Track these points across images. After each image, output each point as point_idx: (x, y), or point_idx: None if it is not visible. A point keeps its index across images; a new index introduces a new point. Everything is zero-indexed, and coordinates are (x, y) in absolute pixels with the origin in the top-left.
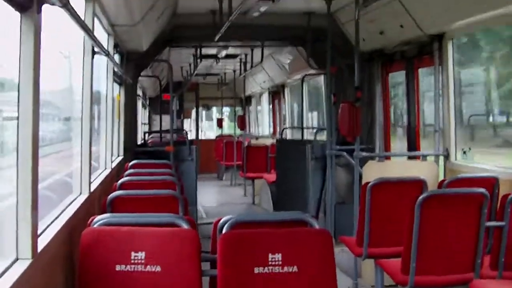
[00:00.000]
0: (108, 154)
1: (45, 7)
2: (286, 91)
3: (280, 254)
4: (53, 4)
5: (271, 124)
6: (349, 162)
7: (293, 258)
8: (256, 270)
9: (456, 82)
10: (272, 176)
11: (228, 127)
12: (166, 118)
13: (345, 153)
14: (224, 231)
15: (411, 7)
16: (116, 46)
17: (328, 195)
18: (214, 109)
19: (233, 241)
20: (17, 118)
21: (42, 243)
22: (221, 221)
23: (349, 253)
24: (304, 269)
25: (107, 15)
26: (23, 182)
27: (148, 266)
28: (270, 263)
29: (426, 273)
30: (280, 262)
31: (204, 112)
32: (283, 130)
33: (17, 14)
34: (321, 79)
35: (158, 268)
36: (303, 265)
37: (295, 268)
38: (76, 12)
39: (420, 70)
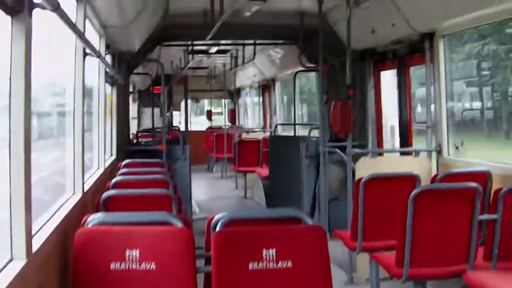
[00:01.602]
0: (101, 153)
1: (36, 10)
2: (277, 85)
3: (274, 250)
4: (44, 8)
5: (261, 117)
6: (342, 158)
7: (287, 253)
8: (250, 266)
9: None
10: (264, 171)
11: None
12: (155, 111)
13: (338, 150)
14: (217, 228)
15: (402, 5)
16: (107, 46)
17: (321, 191)
18: (205, 102)
19: (227, 238)
20: (8, 119)
21: (36, 243)
22: (214, 219)
23: (343, 248)
24: (299, 264)
25: (99, 16)
26: (15, 183)
27: (143, 264)
28: (264, 258)
29: (421, 265)
30: (275, 258)
31: (195, 105)
32: (276, 126)
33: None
34: (313, 73)
35: (153, 266)
36: (297, 260)
37: (289, 263)
38: (67, 15)
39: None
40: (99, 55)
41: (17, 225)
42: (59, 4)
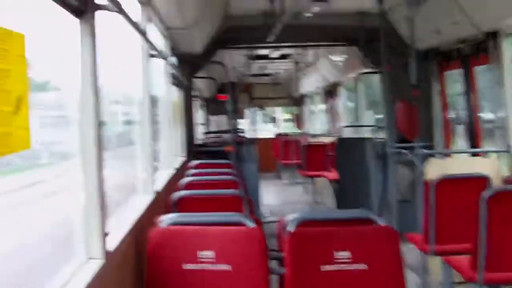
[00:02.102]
0: (171, 155)
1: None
2: (341, 89)
3: (347, 252)
4: (108, 9)
5: (327, 122)
6: (409, 160)
7: (360, 255)
8: (322, 268)
9: None
10: (332, 174)
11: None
12: (221, 118)
13: (405, 151)
14: (290, 229)
15: (465, 3)
16: (171, 49)
17: (390, 193)
18: (274, 109)
19: (300, 239)
20: (79, 119)
21: (111, 243)
22: (286, 219)
23: (415, 250)
24: (372, 266)
25: (162, 19)
26: (89, 183)
27: (217, 265)
28: (336, 260)
29: (497, 269)
30: (348, 260)
31: (259, 113)
32: (341, 128)
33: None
34: (377, 77)
35: (227, 267)
36: (370, 262)
37: (362, 265)
38: (129, 17)
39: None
40: (164, 57)
41: (92, 226)
42: (121, 6)
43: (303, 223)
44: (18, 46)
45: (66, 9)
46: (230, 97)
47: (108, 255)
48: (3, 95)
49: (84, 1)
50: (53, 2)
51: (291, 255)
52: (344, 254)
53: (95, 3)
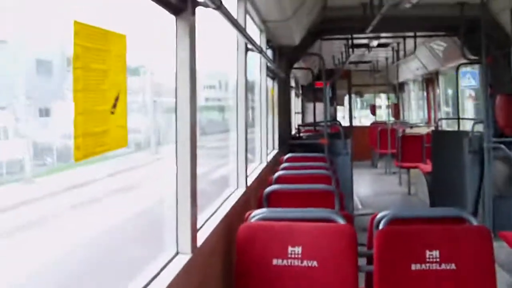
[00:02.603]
0: (264, 148)
1: (199, 8)
2: (440, 79)
3: (437, 251)
4: (207, 6)
5: (425, 112)
6: (508, 155)
7: (451, 255)
8: (413, 267)
9: None
10: (427, 166)
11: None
12: (319, 106)
13: (503, 146)
14: (380, 226)
15: None
16: (267, 41)
17: (486, 188)
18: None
19: (389, 237)
20: (175, 115)
21: (201, 237)
22: (377, 216)
23: (508, 249)
24: (462, 266)
25: (259, 12)
26: (182, 178)
27: (305, 261)
28: (427, 260)
29: None
30: (438, 259)
31: (358, 99)
32: (439, 120)
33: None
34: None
35: (315, 263)
36: (461, 263)
37: (453, 266)
38: (229, 13)
39: None
40: (260, 50)
41: (183, 220)
42: (221, 2)
43: (396, 220)
44: (119, 47)
45: (164, 7)
46: (328, 84)
47: (196, 249)
48: (101, 94)
49: None
50: (151, 0)
51: (380, 253)
52: (434, 254)
53: (195, 0)
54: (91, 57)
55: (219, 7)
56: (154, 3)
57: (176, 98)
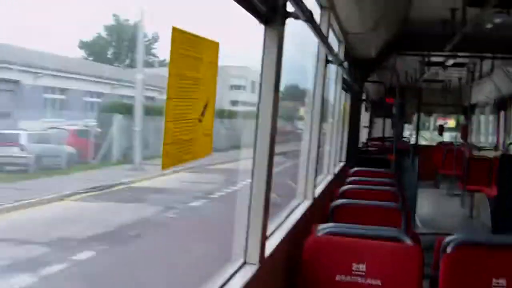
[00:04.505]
0: (332, 159)
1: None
2: None
3: (504, 280)
4: (297, 18)
5: (494, 135)
6: None
7: None
8: None
9: None
10: (493, 190)
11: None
12: (387, 121)
13: None
14: (448, 250)
15: None
16: (345, 53)
17: None
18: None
19: (457, 262)
20: (256, 124)
21: (268, 248)
22: (446, 240)
23: None
24: None
25: (341, 23)
26: (257, 188)
27: (369, 279)
28: (494, 287)
29: None
30: (504, 287)
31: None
32: (509, 144)
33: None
34: None
35: (379, 282)
36: None
37: None
38: (317, 25)
39: None
40: (340, 62)
41: (254, 229)
42: (311, 14)
43: (461, 246)
44: (211, 54)
45: (254, 16)
46: (398, 101)
47: (264, 260)
48: (192, 103)
49: (273, 8)
50: (242, 8)
51: (448, 276)
52: (500, 282)
53: (285, 11)
54: (186, 64)
55: (310, 19)
56: (244, 12)
57: (258, 105)
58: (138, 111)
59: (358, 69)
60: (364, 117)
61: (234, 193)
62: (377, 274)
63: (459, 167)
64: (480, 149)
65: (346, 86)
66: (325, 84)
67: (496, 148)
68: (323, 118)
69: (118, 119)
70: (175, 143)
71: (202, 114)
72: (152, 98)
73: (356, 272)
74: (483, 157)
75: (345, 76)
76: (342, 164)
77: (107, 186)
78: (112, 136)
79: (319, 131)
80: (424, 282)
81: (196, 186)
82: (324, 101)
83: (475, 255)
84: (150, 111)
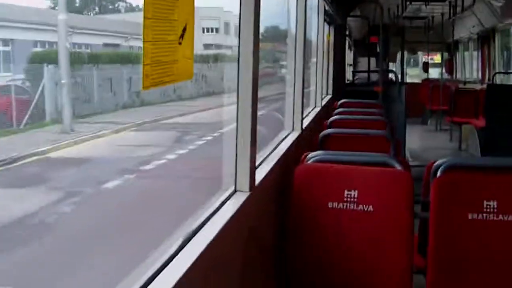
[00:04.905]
0: (318, 92)
1: None
2: (497, 36)
3: (495, 202)
4: None
5: (479, 70)
6: None
7: (509, 206)
8: (470, 216)
9: None
10: (480, 122)
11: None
12: (372, 61)
13: None
14: (438, 174)
15: None
16: None
17: None
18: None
19: (447, 184)
20: (238, 58)
21: (258, 176)
22: (435, 164)
23: None
24: None
25: None
26: (242, 119)
27: (361, 205)
28: (485, 209)
29: None
30: (496, 210)
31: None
32: (494, 74)
33: None
34: None
35: (371, 208)
36: None
37: (511, 217)
38: None
39: None
40: None
41: (242, 159)
42: None
43: (453, 169)
44: None
45: None
46: (382, 39)
47: (254, 188)
48: (170, 24)
49: None
50: None
51: (437, 200)
52: (492, 204)
53: None
54: None
55: None
56: None
57: (238, 46)
58: (63, 60)
59: (340, 4)
60: (349, 57)
61: (179, 159)
62: (369, 200)
63: (446, 102)
64: (465, 83)
65: (329, 19)
66: (307, 16)
67: (481, 82)
68: (305, 48)
69: (50, 71)
70: (155, 64)
71: (181, 37)
72: (117, 45)
73: (348, 199)
74: (470, 89)
75: (326, 8)
76: (329, 97)
77: (11, 159)
78: (44, 92)
79: (304, 65)
80: (416, 207)
81: (132, 152)
82: (306, 32)
83: (465, 178)
84: (113, 58)
